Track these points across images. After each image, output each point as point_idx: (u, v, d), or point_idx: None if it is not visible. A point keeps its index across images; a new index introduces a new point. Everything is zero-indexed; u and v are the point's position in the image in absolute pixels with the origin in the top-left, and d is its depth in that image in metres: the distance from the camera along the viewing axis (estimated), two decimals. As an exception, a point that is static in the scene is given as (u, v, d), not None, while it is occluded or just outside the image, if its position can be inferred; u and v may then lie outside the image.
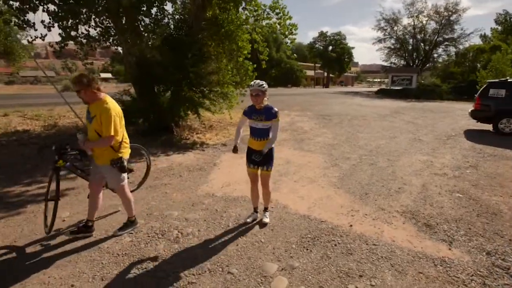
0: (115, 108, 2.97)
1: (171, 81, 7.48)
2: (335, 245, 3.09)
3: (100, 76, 45.35)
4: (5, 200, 4.01)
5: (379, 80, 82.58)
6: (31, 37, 7.78)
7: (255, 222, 3.54)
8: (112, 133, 2.88)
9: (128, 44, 7.61)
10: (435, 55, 40.26)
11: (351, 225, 3.51)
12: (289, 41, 8.83)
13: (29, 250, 2.92)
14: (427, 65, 40.69)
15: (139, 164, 5.49)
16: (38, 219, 3.49)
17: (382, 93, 32.53)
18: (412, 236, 3.31)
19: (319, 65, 59.46)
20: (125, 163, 3.09)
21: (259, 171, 3.39)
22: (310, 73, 62.83)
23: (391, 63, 42.08)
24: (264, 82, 3.09)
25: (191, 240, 3.12)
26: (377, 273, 2.65)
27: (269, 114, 3.13)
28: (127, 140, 3.20)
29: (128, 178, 3.76)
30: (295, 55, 11.92)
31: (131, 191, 4.05)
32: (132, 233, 3.25)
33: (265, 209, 3.61)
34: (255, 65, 8.58)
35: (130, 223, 3.35)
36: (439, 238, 3.26)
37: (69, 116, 10.40)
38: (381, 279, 2.58)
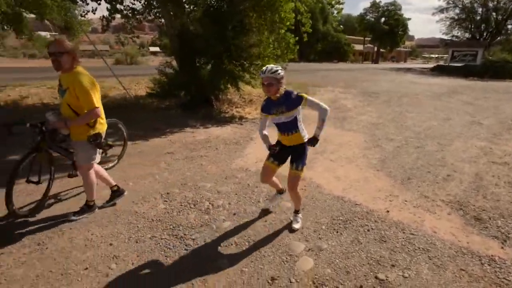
0: (90, 78, 2.73)
1: (211, 54, 7.46)
2: (368, 230, 2.93)
3: (149, 50, 47.07)
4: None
5: (436, 55, 74.80)
6: (84, 12, 8.19)
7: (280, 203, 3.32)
8: (97, 105, 2.71)
9: (170, 16, 7.66)
10: (509, 26, 35.01)
11: (388, 211, 3.30)
12: (335, 12, 8.21)
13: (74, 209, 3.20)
14: (498, 38, 35.62)
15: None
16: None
17: (439, 70, 29.46)
18: (458, 229, 3.02)
19: (369, 38, 55.25)
20: (102, 140, 2.95)
21: (278, 169, 2.87)
22: (359, 47, 58.84)
23: (452, 36, 37.54)
24: (279, 68, 2.49)
25: (221, 213, 3.18)
26: (412, 264, 2.47)
27: (290, 101, 2.53)
28: (103, 115, 2.96)
29: (106, 154, 3.74)
30: (341, 26, 11.15)
31: (111, 167, 4.17)
32: (166, 201, 3.40)
33: (296, 212, 3.00)
34: (297, 38, 8.18)
35: (87, 207, 3.07)
36: (490, 234, 2.94)
37: (118, 88, 11.02)
38: (415, 271, 2.40)
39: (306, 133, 2.76)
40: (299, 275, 2.31)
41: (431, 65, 41.26)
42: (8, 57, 35.31)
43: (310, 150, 5.16)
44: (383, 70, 30.58)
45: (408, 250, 2.65)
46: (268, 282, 2.24)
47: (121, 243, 2.67)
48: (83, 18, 8.95)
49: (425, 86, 16.25)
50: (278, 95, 2.55)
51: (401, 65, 50.76)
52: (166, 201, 3.41)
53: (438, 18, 52.11)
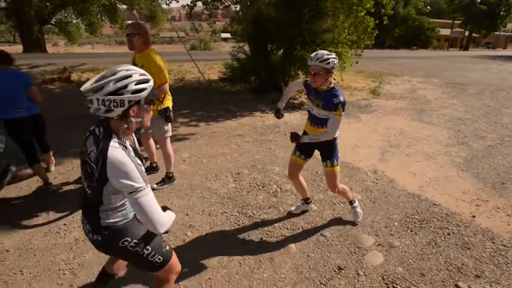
0: (161, 58, 2.99)
1: (284, 39, 7.41)
2: (449, 234, 2.67)
3: (221, 36, 49.00)
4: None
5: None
6: (168, 1, 8.85)
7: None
8: (168, 80, 2.97)
9: (246, 1, 7.79)
10: None
11: (473, 216, 2.95)
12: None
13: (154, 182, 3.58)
14: None
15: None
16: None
17: (552, 59, 24.43)
18: None
19: (460, 21, 48.18)
20: (171, 114, 3.12)
21: (304, 164, 2.64)
22: (445, 32, 51.84)
23: None
24: (331, 56, 2.15)
25: (289, 197, 3.23)
26: (503, 279, 2.19)
27: (329, 102, 2.21)
28: (169, 92, 3.18)
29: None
30: (428, 7, 9.90)
31: None
32: (236, 181, 3.58)
33: (350, 203, 2.77)
34: (376, 21, 7.59)
35: (167, 179, 3.38)
36: None
37: (193, 72, 11.75)
38: (506, 287, 2.12)
39: (337, 133, 2.42)
40: (368, 269, 2.25)
41: (540, 52, 34.47)
42: (103, 44, 40.34)
43: (381, 142, 4.91)
44: (475, 58, 26.57)
45: (498, 263, 2.35)
46: (335, 271, 2.22)
47: (195, 214, 2.92)
48: (166, 6, 9.67)
49: (531, 77, 13.68)
50: (324, 87, 2.26)
51: (499, 52, 43.42)
52: (236, 180, 3.59)
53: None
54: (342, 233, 2.66)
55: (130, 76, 1.18)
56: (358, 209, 2.78)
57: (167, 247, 1.52)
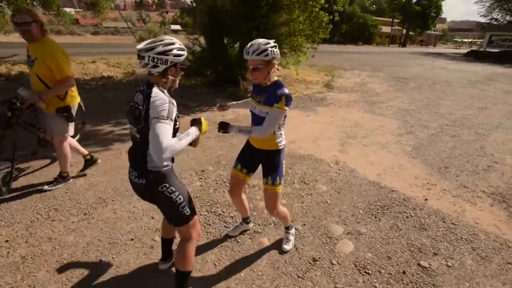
0: (61, 47, 2.69)
1: (240, 32, 7.31)
2: (407, 217, 2.88)
3: (170, 27, 46.94)
4: (96, 138, 4.55)
5: (469, 40, 70.42)
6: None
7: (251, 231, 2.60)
8: (70, 74, 2.68)
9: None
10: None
11: (426, 199, 3.22)
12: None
13: (116, 183, 3.30)
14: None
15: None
16: (122, 156, 3.90)
17: (474, 56, 27.84)
18: (501, 222, 2.91)
19: (398, 20, 52.45)
20: (73, 113, 2.93)
21: (248, 179, 2.23)
22: (386, 29, 56.07)
23: (491, 19, 35.00)
24: (269, 44, 1.81)
25: (256, 193, 3.20)
26: (455, 254, 2.42)
27: (271, 95, 1.87)
28: (75, 88, 2.96)
29: (84, 128, 3.71)
30: (374, 6, 10.52)
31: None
32: (202, 178, 3.45)
33: (286, 228, 2.45)
34: (330, 16, 7.85)
35: (61, 178, 3.15)
36: (537, 228, 2.81)
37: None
38: (459, 261, 2.35)
39: (283, 140, 2.06)
40: (340, 258, 2.32)
41: (463, 50, 39.06)
42: (36, 33, 36.14)
43: (339, 134, 5.13)
44: (412, 54, 29.18)
45: (450, 240, 2.59)
46: (310, 263, 2.25)
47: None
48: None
49: (459, 72, 15.42)
50: (267, 82, 1.92)
51: (431, 49, 48.29)
52: (201, 178, 3.46)
53: (476, -2, 48.50)
54: (313, 224, 2.71)
55: (173, 43, 1.51)
56: (292, 238, 2.44)
57: (193, 204, 1.75)
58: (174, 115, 1.48)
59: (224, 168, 3.71)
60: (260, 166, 2.16)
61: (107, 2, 19.51)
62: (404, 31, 53.03)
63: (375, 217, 2.85)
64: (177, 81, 1.63)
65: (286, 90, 1.85)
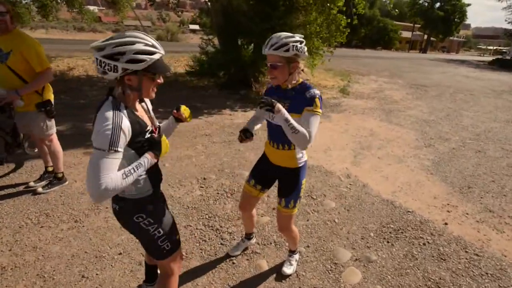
0: (34, 38, 2.56)
1: (255, 33, 7.11)
2: (424, 244, 2.58)
3: (189, 27, 47.37)
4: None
5: (494, 47, 67.78)
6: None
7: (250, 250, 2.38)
8: (49, 65, 2.53)
9: (216, -8, 7.38)
10: None
11: (446, 223, 2.91)
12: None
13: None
14: None
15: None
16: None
17: (499, 64, 26.65)
18: (533, 254, 2.58)
19: (419, 25, 51.04)
20: (53, 107, 2.73)
21: (262, 196, 2.02)
22: (406, 34, 54.66)
23: (519, 26, 33.48)
24: (292, 39, 1.53)
25: (259, 206, 2.98)
26: (479, 292, 2.12)
27: (300, 99, 1.59)
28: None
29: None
30: (396, 10, 10.13)
31: None
32: (203, 187, 3.26)
33: (291, 252, 2.22)
34: (348, 20, 7.55)
35: (56, 180, 3.02)
36: None
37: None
38: (484, 301, 2.06)
39: (303, 155, 1.81)
40: (346, 289, 2.07)
41: (488, 58, 37.55)
42: (60, 29, 37.20)
43: (353, 144, 4.84)
44: (433, 61, 28.22)
45: (474, 275, 2.28)
46: (311, 293, 2.02)
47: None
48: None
49: (483, 81, 14.70)
50: (288, 84, 1.64)
51: (453, 56, 46.69)
52: (202, 187, 3.27)
53: (504, 4, 46.43)
54: (318, 247, 2.46)
55: (132, 43, 1.13)
56: (295, 263, 2.20)
57: (178, 236, 1.52)
58: (122, 143, 1.13)
59: (227, 177, 3.51)
60: (277, 181, 1.94)
61: (128, 0, 19.85)
62: (425, 36, 51.54)
63: (388, 242, 2.58)
64: (151, 93, 1.25)
65: (317, 91, 1.59)
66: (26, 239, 2.33)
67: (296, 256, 2.23)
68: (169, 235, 1.44)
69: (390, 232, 2.70)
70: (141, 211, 1.35)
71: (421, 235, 2.69)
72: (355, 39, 45.38)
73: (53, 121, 2.86)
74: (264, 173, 1.94)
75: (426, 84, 12.27)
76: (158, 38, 29.90)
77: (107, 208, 2.78)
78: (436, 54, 49.55)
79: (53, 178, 3.05)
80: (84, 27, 39.51)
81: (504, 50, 48.89)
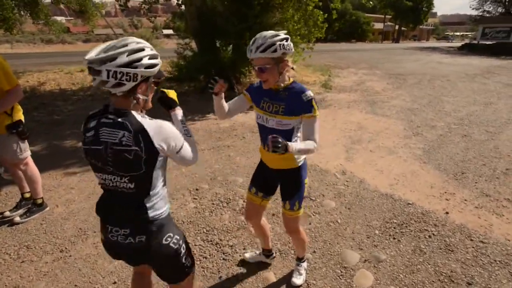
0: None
1: (233, 34, 6.97)
2: (429, 236, 2.54)
3: (162, 32, 46.51)
4: (80, 155, 4.17)
5: (461, 33, 70.64)
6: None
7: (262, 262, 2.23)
8: (18, 82, 2.34)
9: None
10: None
11: (447, 212, 2.88)
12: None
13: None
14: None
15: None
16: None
17: (468, 49, 27.71)
18: (535, 235, 2.59)
19: (390, 16, 52.42)
20: (25, 128, 2.52)
21: (266, 204, 1.94)
22: (379, 26, 56.04)
23: (483, 11, 35.03)
24: (278, 37, 1.43)
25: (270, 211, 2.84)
26: (492, 282, 2.08)
27: (295, 102, 1.53)
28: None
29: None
30: (371, 2, 10.26)
31: None
32: (196, 199, 3.09)
33: (299, 260, 2.10)
34: (326, 15, 7.54)
35: (36, 206, 2.79)
36: None
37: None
38: (498, 290, 2.01)
39: (302, 158, 1.75)
40: (360, 295, 1.97)
41: (457, 43, 39.05)
42: (26, 43, 35.57)
43: (343, 139, 4.80)
44: (406, 49, 28.99)
45: (483, 264, 2.25)
46: (325, 304, 1.91)
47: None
48: (98, 1, 8.56)
49: (456, 66, 15.17)
50: (281, 84, 1.56)
51: (424, 44, 48.25)
52: (195, 198, 3.10)
53: (466, -8, 48.53)
54: (324, 251, 2.36)
55: (143, 49, 1.09)
56: (304, 272, 2.07)
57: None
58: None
59: (221, 185, 3.35)
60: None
61: (96, 9, 19.16)
62: (397, 26, 53.03)
63: (394, 238, 2.51)
64: (150, 101, 1.23)
65: (310, 92, 1.55)
66: (5, 279, 2.10)
67: (305, 264, 2.12)
68: (187, 248, 1.34)
69: (394, 228, 2.64)
70: (169, 230, 1.24)
71: (425, 228, 2.64)
72: (330, 34, 46.03)
73: (26, 142, 2.62)
74: (264, 180, 1.85)
75: (403, 73, 12.52)
76: (132, 46, 29.15)
77: (95, 232, 2.56)
78: (408, 43, 51.10)
79: (32, 205, 2.80)
80: (52, 39, 38.00)
81: (470, 35, 51.08)
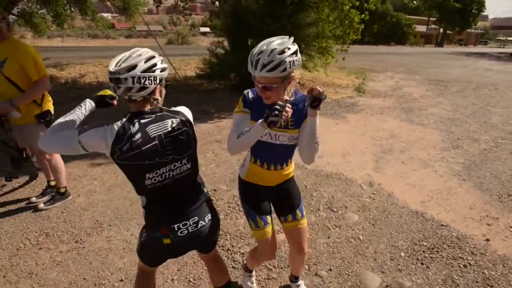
0: (31, 45, 2.44)
1: (266, 33, 6.85)
2: (465, 266, 2.25)
3: (200, 30, 47.58)
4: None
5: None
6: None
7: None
8: (47, 73, 2.42)
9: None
10: None
11: (487, 239, 2.56)
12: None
13: (118, 203, 2.96)
14: None
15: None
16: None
17: (522, 56, 25.33)
18: None
19: (435, 18, 49.42)
20: (53, 118, 2.58)
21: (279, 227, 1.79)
22: (421, 28, 53.06)
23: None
24: (288, 52, 1.25)
25: (275, 221, 2.70)
26: (539, 327, 1.79)
27: (301, 110, 1.43)
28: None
29: None
30: (415, 2, 9.64)
31: None
32: (213, 200, 3.02)
33: (296, 279, 1.93)
34: (363, 16, 7.19)
35: (59, 195, 2.86)
36: None
37: (170, 68, 10.99)
38: None
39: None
40: (378, 325, 1.78)
41: (509, 49, 35.92)
42: (75, 37, 38.06)
43: (373, 147, 4.51)
44: (450, 54, 27.17)
45: (529, 304, 1.95)
46: (337, 331, 1.74)
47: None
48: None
49: (507, 74, 13.90)
50: (285, 97, 1.38)
51: (471, 49, 45.00)
52: (212, 199, 3.02)
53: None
54: (341, 270, 2.18)
55: (154, 56, 1.22)
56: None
57: None
58: None
59: (239, 188, 3.25)
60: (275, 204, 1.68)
61: (139, 6, 20.03)
62: (441, 30, 49.91)
63: (422, 263, 2.26)
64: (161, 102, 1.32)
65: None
66: (22, 264, 2.16)
67: (301, 284, 1.93)
68: None
69: (423, 251, 2.38)
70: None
71: (460, 255, 2.36)
72: (368, 36, 44.39)
73: None
74: (264, 202, 1.61)
75: (446, 79, 11.68)
76: (169, 42, 30.14)
77: (110, 226, 2.58)
78: (453, 47, 47.90)
79: (56, 193, 2.89)
80: (98, 34, 40.33)
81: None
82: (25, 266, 2.14)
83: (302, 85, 9.00)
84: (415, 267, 2.22)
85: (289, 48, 1.27)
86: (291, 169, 1.62)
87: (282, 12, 6.65)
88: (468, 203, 3.11)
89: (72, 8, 21.69)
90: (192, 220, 1.32)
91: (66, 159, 3.49)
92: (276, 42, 1.28)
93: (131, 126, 1.19)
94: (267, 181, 1.59)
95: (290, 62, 1.25)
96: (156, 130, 1.22)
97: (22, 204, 2.88)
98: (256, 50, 1.29)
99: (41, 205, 2.79)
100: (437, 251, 2.39)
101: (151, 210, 1.32)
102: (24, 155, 2.90)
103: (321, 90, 1.25)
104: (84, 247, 2.33)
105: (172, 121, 1.26)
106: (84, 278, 2.04)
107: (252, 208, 1.58)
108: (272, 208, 1.68)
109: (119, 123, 1.19)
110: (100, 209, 2.82)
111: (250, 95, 1.48)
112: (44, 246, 2.34)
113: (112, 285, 1.99)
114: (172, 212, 1.30)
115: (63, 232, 2.50)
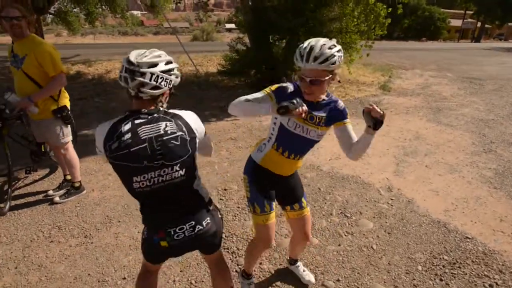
0: (49, 43, 2.51)
1: (287, 29, 6.70)
2: (491, 285, 2.05)
3: (225, 26, 47.84)
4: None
5: None
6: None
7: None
8: (63, 69, 2.49)
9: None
10: None
11: (518, 256, 2.32)
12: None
13: (129, 199, 2.99)
14: None
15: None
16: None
17: None
18: None
19: (472, 12, 46.36)
20: (70, 113, 2.67)
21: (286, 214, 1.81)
22: (456, 23, 49.99)
23: None
24: (336, 48, 1.34)
25: (284, 225, 2.62)
26: None
27: (334, 112, 1.51)
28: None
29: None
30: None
31: None
32: (222, 200, 2.98)
33: (295, 261, 2.08)
34: (389, 9, 6.82)
35: (74, 189, 2.93)
36: None
37: (190, 64, 11.10)
38: None
39: None
40: None
41: (556, 45, 33.05)
42: (106, 34, 39.57)
43: (395, 149, 4.26)
44: (488, 50, 25.40)
45: None
46: None
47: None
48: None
49: (552, 72, 12.76)
50: (322, 96, 1.48)
51: (512, 44, 41.80)
52: (222, 199, 2.99)
53: None
54: (350, 281, 2.05)
55: (171, 61, 1.22)
56: (308, 271, 2.07)
57: None
58: None
59: (250, 188, 3.18)
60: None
61: (164, 4, 20.44)
62: (479, 24, 46.75)
63: (441, 280, 2.08)
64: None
65: (341, 102, 1.56)
66: (34, 256, 2.22)
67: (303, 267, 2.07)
68: None
69: (443, 266, 2.19)
70: (212, 203, 1.44)
71: (486, 273, 2.15)
72: (397, 31, 42.57)
73: (69, 128, 2.78)
74: (271, 190, 1.67)
75: (481, 77, 10.91)
76: (194, 38, 30.54)
77: (119, 222, 2.60)
78: (492, 42, 44.77)
79: (71, 187, 2.97)
80: (127, 31, 41.66)
81: None
82: (36, 258, 2.20)
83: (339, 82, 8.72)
84: (433, 283, 2.05)
85: (335, 45, 1.36)
86: (300, 163, 1.69)
87: (304, 7, 6.46)
88: (498, 214, 2.84)
89: (103, 6, 22.52)
90: (188, 225, 1.28)
91: (84, 153, 3.59)
92: (323, 39, 1.37)
93: (123, 125, 1.14)
94: (281, 169, 1.63)
95: (338, 57, 1.34)
96: (147, 132, 1.14)
97: (40, 196, 2.98)
98: (305, 44, 1.36)
99: (57, 199, 2.88)
100: (459, 267, 2.19)
101: (145, 214, 1.31)
102: (43, 149, 3.01)
103: (382, 112, 1.33)
104: (92, 242, 2.37)
105: (166, 124, 1.17)
106: (89, 274, 2.07)
107: (260, 192, 1.62)
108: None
109: (115, 119, 1.17)
110: (112, 205, 2.86)
111: (288, 91, 1.47)
112: (55, 239, 2.40)
113: (115, 283, 2.00)
114: (165, 217, 1.27)
115: (74, 226, 2.55)
